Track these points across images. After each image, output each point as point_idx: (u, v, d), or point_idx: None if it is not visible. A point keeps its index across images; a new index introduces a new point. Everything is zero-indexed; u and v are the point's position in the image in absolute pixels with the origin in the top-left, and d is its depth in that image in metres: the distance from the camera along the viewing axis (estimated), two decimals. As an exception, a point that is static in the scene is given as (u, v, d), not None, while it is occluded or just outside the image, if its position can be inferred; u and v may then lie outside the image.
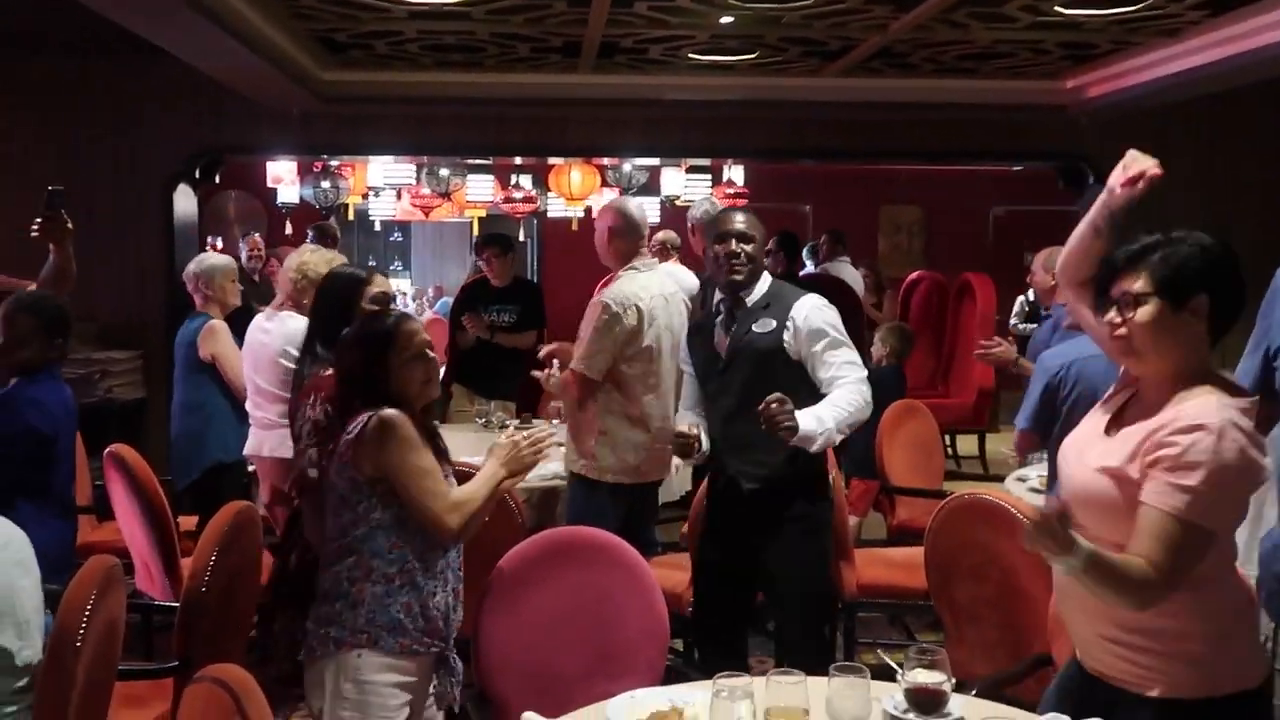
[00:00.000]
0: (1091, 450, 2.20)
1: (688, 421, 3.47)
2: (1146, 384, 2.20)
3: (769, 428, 3.12)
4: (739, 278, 3.42)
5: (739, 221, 3.47)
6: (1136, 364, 2.18)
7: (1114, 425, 2.22)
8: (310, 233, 8.09)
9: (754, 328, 3.41)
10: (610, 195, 9.56)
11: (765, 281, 3.50)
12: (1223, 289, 2.10)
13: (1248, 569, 2.69)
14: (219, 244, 8.10)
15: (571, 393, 4.27)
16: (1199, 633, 2.09)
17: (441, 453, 2.76)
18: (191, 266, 5.24)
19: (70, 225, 3.70)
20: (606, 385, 4.17)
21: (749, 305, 3.45)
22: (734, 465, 3.43)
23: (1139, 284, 2.11)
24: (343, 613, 2.60)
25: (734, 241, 3.41)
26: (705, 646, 3.70)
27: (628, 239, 4.30)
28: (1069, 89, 7.02)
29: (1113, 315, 2.15)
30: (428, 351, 2.72)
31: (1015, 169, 9.96)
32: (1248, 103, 6.74)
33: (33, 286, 3.89)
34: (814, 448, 3.26)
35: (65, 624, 2.45)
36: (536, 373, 4.65)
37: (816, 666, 2.28)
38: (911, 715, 2.21)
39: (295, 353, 4.44)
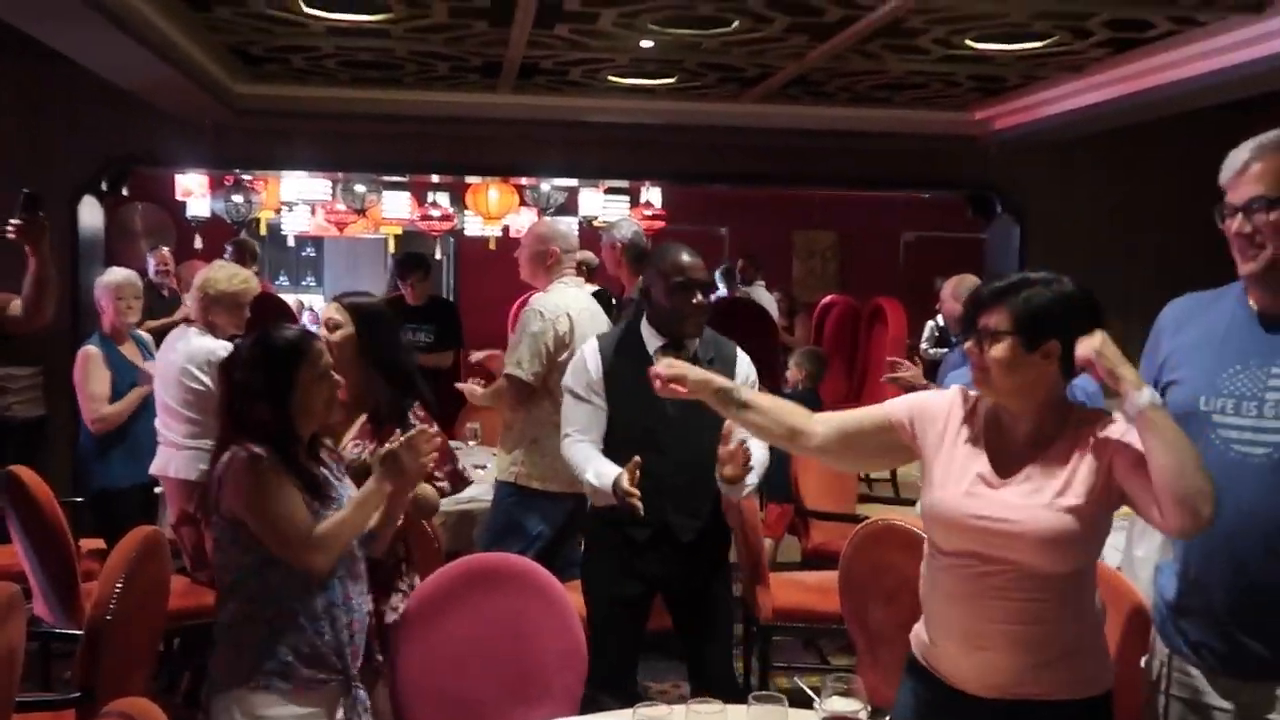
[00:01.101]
0: (986, 498, 2.25)
1: (625, 485, 3.11)
2: (1013, 415, 2.30)
3: (732, 469, 3.06)
4: (699, 332, 3.38)
5: (702, 270, 3.37)
6: (989, 394, 2.30)
7: (1000, 471, 2.27)
8: (228, 248, 7.94)
9: None
10: (528, 214, 9.56)
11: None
12: (1073, 336, 2.19)
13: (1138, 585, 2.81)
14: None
15: (504, 400, 4.27)
16: (1090, 631, 2.29)
17: (322, 480, 2.66)
18: (98, 282, 5.15)
19: (47, 226, 3.61)
20: (538, 393, 4.21)
21: (693, 355, 3.32)
22: (671, 516, 3.29)
23: (997, 320, 2.23)
24: (231, 657, 2.55)
25: (699, 292, 3.33)
26: (606, 683, 3.30)
27: (560, 255, 4.42)
28: (978, 120, 7.20)
29: (971, 345, 2.28)
30: (332, 372, 2.68)
31: (926, 196, 10.16)
32: (1149, 137, 6.97)
33: (17, 301, 3.82)
34: (741, 495, 3.29)
35: (-39, 655, 2.37)
36: (460, 385, 4.64)
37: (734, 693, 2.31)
38: (829, 746, 2.24)
39: (196, 371, 4.41)
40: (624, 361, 3.34)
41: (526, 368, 4.20)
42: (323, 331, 3.06)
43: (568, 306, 4.27)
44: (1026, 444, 2.27)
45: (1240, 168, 2.26)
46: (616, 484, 3.10)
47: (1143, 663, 2.49)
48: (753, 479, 3.23)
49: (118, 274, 5.22)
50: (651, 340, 3.36)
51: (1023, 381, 2.23)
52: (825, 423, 2.50)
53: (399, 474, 2.66)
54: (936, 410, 2.40)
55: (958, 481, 2.30)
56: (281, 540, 2.52)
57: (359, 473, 2.83)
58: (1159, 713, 2.39)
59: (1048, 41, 5.39)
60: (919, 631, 2.45)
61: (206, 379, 4.38)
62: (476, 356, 4.96)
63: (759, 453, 3.21)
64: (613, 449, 3.29)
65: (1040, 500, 2.22)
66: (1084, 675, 2.27)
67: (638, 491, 3.05)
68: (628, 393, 3.29)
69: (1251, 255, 2.25)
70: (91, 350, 4.97)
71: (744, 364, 3.45)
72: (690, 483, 3.30)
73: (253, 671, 2.51)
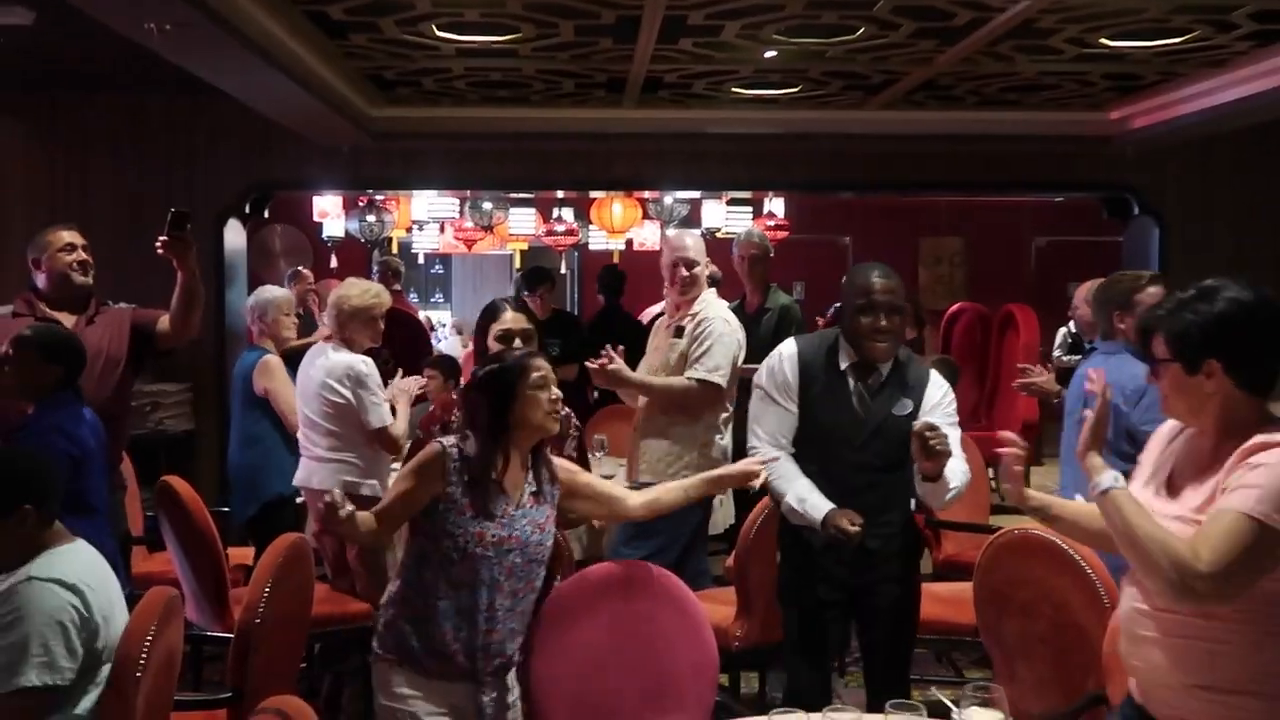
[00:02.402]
0: (1155, 505, 2.22)
1: (844, 524, 3.14)
2: (1198, 439, 2.27)
3: (925, 452, 3.00)
4: (884, 356, 3.32)
5: (888, 292, 3.27)
6: (1175, 417, 2.30)
7: (1172, 490, 2.26)
8: (375, 267, 8.23)
9: (894, 410, 3.31)
10: (651, 228, 9.62)
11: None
12: (1236, 350, 2.15)
13: None
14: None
15: (679, 402, 4.38)
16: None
17: (494, 497, 2.77)
18: (250, 299, 5.33)
19: (193, 243, 3.83)
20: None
21: (885, 375, 3.33)
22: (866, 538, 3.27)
23: (1158, 348, 2.24)
24: (380, 630, 2.79)
25: (882, 316, 3.25)
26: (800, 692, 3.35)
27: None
28: (1114, 120, 6.99)
29: (1149, 375, 2.30)
30: (554, 389, 2.81)
31: (1059, 199, 9.91)
32: (1293, 133, 6.70)
33: (166, 317, 4.07)
34: (943, 502, 3.24)
35: (127, 653, 2.49)
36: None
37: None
38: (969, 755, 2.20)
39: (336, 385, 4.55)
40: (818, 372, 3.34)
41: (724, 373, 4.38)
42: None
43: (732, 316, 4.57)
44: (1208, 460, 2.22)
45: None
46: (828, 519, 3.16)
47: None
48: (956, 483, 3.18)
49: (276, 291, 5.42)
50: (844, 358, 3.35)
51: (1194, 403, 2.22)
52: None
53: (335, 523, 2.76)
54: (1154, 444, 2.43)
55: (1140, 496, 2.28)
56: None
57: None
58: None
59: (1188, 37, 5.21)
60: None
61: (346, 392, 4.49)
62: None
63: (958, 464, 3.18)
64: (802, 455, 3.35)
65: (1177, 511, 2.16)
66: (1274, 712, 2.11)
67: (858, 526, 3.11)
68: (819, 407, 3.33)
69: None
70: (274, 359, 5.08)
71: (935, 388, 3.38)
72: (880, 495, 3.30)
73: (392, 648, 2.74)
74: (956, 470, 3.15)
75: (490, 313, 3.54)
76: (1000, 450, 2.59)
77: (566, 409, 3.34)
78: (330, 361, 4.59)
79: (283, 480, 4.96)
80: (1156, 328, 2.24)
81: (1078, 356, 6.91)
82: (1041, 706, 3.16)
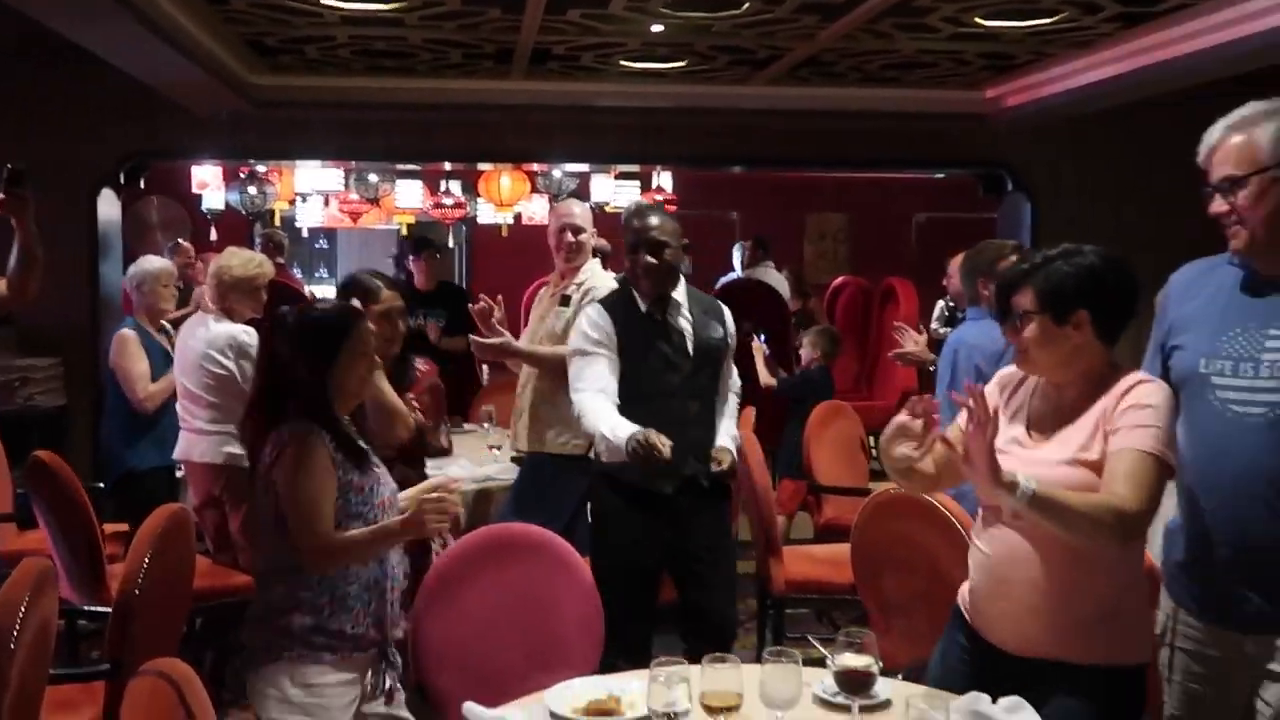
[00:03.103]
0: (1019, 457, 2.32)
1: (653, 435, 3.25)
2: (1061, 390, 2.38)
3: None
4: (655, 290, 3.55)
5: (656, 230, 3.54)
6: (1034, 371, 2.40)
7: (1037, 433, 2.38)
8: (258, 239, 8.07)
9: (709, 333, 3.57)
10: (540, 201, 9.61)
11: (683, 282, 3.65)
12: (1102, 302, 2.31)
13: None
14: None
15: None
16: (1124, 599, 2.30)
17: (364, 451, 2.74)
18: (129, 270, 5.23)
19: (30, 200, 3.58)
20: None
21: (686, 307, 3.58)
22: (691, 465, 3.46)
23: (1025, 301, 2.33)
24: (280, 633, 2.61)
25: (648, 253, 3.50)
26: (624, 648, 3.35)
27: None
28: (988, 98, 7.22)
29: (1009, 329, 2.39)
30: (373, 354, 2.76)
31: (938, 177, 10.17)
32: (1160, 112, 6.97)
33: (2, 281, 3.80)
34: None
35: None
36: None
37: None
38: (840, 697, 2.30)
39: (218, 356, 4.49)
40: (627, 318, 3.55)
41: None
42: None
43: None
44: (1070, 409, 2.35)
45: (1212, 148, 2.31)
46: (634, 436, 3.23)
47: None
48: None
49: (156, 262, 5.30)
50: (642, 300, 3.56)
51: (1061, 354, 2.33)
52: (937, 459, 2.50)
53: (420, 530, 2.68)
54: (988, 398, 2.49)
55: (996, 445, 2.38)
56: (298, 526, 2.55)
57: None
58: (1165, 664, 2.44)
59: (1057, 18, 5.41)
60: (964, 587, 2.52)
61: (229, 363, 4.45)
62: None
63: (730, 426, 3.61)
64: (630, 406, 3.44)
65: (1061, 456, 2.28)
66: (1118, 642, 2.30)
67: (665, 440, 3.20)
68: (637, 349, 3.51)
69: (1234, 233, 2.30)
70: (129, 333, 5.01)
71: (729, 320, 3.70)
72: (702, 432, 3.48)
73: (305, 646, 2.59)
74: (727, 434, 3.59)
75: (367, 294, 3.49)
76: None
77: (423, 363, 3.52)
78: (211, 333, 4.53)
79: (134, 454, 4.91)
80: (1023, 282, 2.34)
81: (952, 329, 7.14)
82: (916, 656, 3.29)
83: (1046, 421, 2.37)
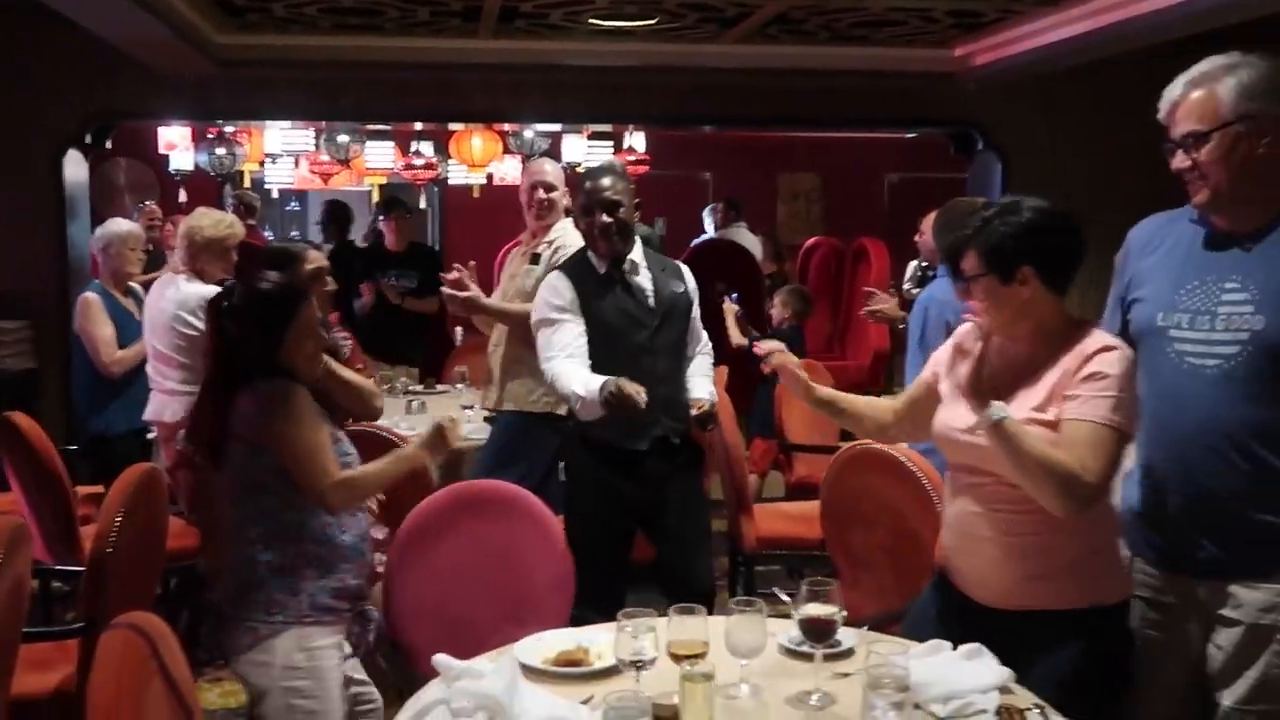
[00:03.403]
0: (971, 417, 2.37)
1: (624, 384, 3.25)
2: (1017, 345, 2.42)
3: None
4: (610, 252, 3.54)
5: (608, 191, 3.52)
6: (993, 330, 2.42)
7: (997, 389, 2.39)
8: (230, 201, 8.02)
9: (671, 289, 3.58)
10: (512, 162, 9.57)
11: (639, 242, 3.65)
12: (1046, 255, 2.34)
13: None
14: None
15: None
16: (1095, 545, 2.36)
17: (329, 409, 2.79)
18: (96, 232, 5.20)
19: None
20: None
21: (644, 266, 3.58)
22: (663, 422, 3.49)
23: (970, 264, 2.38)
24: (277, 600, 2.64)
25: (601, 213, 3.49)
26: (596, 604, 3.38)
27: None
28: (957, 57, 7.21)
29: (961, 291, 2.46)
30: (321, 331, 2.77)
31: (910, 136, 10.19)
32: (1128, 69, 6.99)
33: None
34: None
35: (-29, 584, 2.45)
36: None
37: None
38: (805, 646, 2.35)
39: (189, 317, 4.48)
40: (588, 282, 3.55)
41: None
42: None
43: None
44: (1026, 367, 2.39)
45: (1173, 103, 2.34)
46: (606, 385, 3.22)
47: None
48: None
49: (123, 225, 5.27)
50: (599, 263, 3.56)
51: (1011, 311, 2.37)
52: (898, 409, 2.71)
53: (443, 448, 2.79)
54: (944, 354, 2.58)
55: (953, 403, 2.43)
56: (310, 472, 2.59)
57: None
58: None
59: (1024, -25, 5.41)
60: (941, 540, 2.58)
61: (200, 324, 4.43)
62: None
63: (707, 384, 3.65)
64: (601, 367, 3.43)
65: (1018, 415, 2.32)
66: (1086, 589, 2.35)
67: (638, 387, 3.19)
68: (601, 311, 3.50)
69: (1196, 188, 2.34)
70: (92, 297, 4.99)
71: (690, 277, 3.71)
72: (672, 389, 3.51)
73: (311, 609, 2.64)
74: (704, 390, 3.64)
75: (291, 258, 3.48)
76: (761, 350, 2.83)
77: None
78: (182, 294, 4.52)
79: (102, 419, 4.92)
80: (966, 245, 2.38)
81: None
82: (882, 609, 3.35)
83: (1004, 379, 2.40)
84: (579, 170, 8.95)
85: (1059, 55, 6.45)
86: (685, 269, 3.74)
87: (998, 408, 2.26)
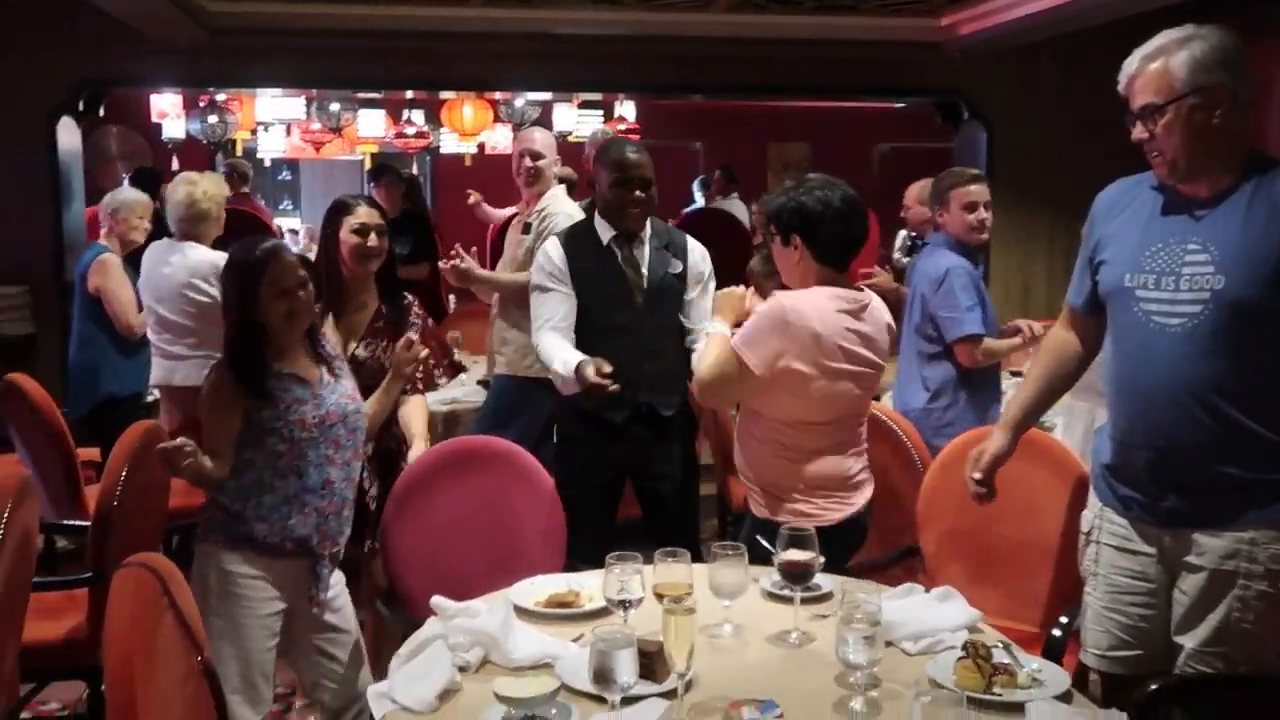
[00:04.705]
0: None
1: (590, 373, 3.23)
2: None
3: None
4: (640, 226, 3.55)
5: (643, 167, 3.51)
6: (786, 283, 3.02)
7: None
8: (222, 169, 8.05)
9: (668, 269, 3.55)
10: (503, 130, 9.62)
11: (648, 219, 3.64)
12: (811, 228, 2.92)
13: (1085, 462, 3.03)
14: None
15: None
16: None
17: (273, 391, 2.80)
18: (106, 198, 5.24)
19: None
20: None
21: (647, 242, 3.56)
22: (645, 395, 3.48)
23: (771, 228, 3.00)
24: (217, 519, 2.79)
25: (639, 188, 3.48)
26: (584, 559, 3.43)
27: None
28: (944, 26, 7.28)
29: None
30: (299, 291, 2.79)
31: (899, 106, 10.25)
32: (1113, 39, 7.05)
33: None
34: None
35: (-17, 532, 2.54)
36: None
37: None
38: (785, 590, 2.46)
39: (201, 283, 4.54)
40: (583, 253, 3.54)
41: None
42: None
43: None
44: None
45: (1131, 76, 2.42)
46: (580, 369, 3.24)
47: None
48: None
49: (131, 193, 5.33)
50: (605, 232, 3.55)
51: (789, 270, 3.00)
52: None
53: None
54: None
55: None
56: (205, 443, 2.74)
57: (372, 371, 3.24)
58: (1092, 559, 2.62)
59: (1008, -56, 5.48)
60: None
61: (212, 289, 4.48)
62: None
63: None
64: (585, 339, 3.46)
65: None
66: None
67: (605, 376, 3.18)
68: (592, 283, 3.50)
69: (1156, 160, 2.42)
70: (112, 258, 4.96)
71: (696, 253, 3.66)
72: (661, 365, 3.51)
73: (230, 536, 2.76)
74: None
75: (342, 208, 3.45)
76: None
77: (410, 297, 3.53)
78: (190, 260, 4.58)
79: (115, 381, 4.95)
80: (762, 210, 2.83)
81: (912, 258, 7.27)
82: (862, 559, 3.45)
83: None
84: (570, 139, 9.02)
85: (1042, 25, 6.53)
86: (695, 247, 3.68)
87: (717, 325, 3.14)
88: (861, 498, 3.02)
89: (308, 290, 2.82)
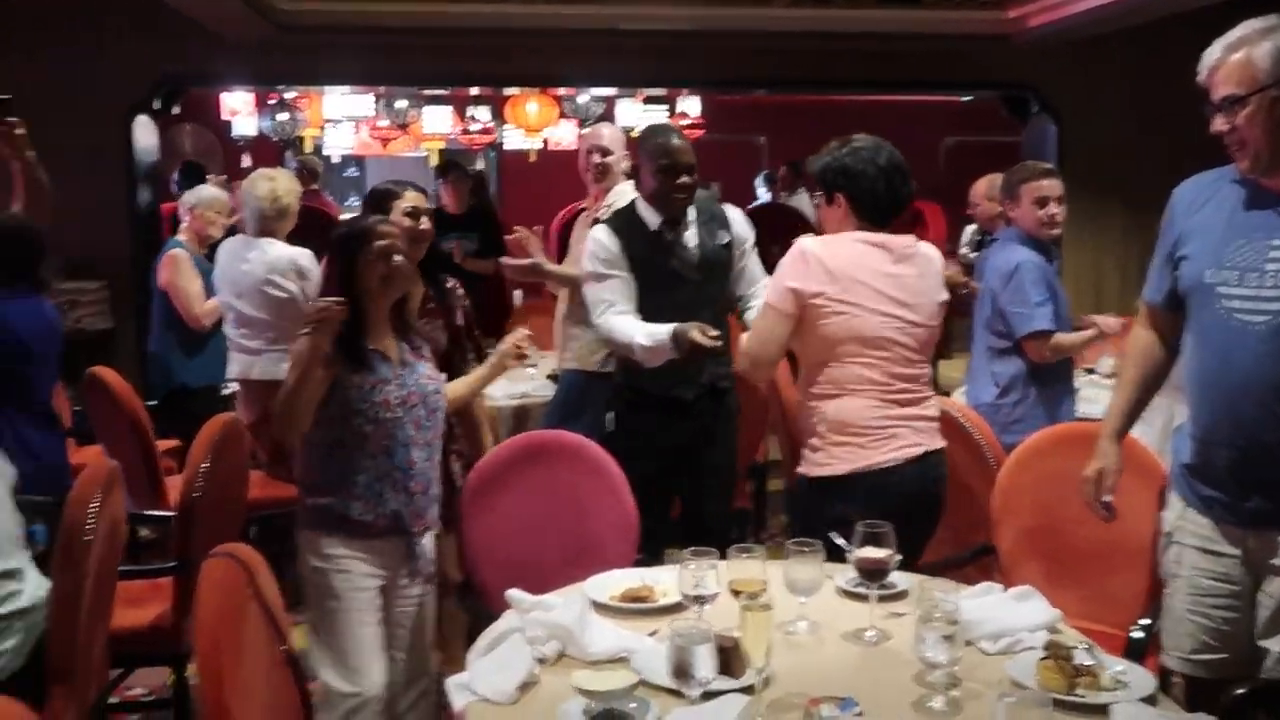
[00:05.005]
0: None
1: (694, 333, 3.29)
2: None
3: None
4: (683, 212, 3.60)
5: (686, 154, 3.55)
6: None
7: None
8: (293, 165, 8.18)
9: (716, 241, 3.62)
10: (567, 126, 9.66)
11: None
12: (856, 188, 2.99)
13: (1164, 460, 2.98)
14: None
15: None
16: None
17: (409, 341, 2.98)
18: (186, 194, 5.36)
19: (22, 131, 3.57)
20: None
21: (692, 221, 3.61)
22: (710, 370, 3.56)
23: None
24: (313, 505, 2.87)
25: (684, 174, 3.52)
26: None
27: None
28: (1011, 18, 7.18)
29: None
30: (394, 256, 2.88)
31: (965, 99, 10.14)
32: (1184, 29, 6.92)
33: (17, 207, 3.82)
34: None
35: (73, 519, 2.58)
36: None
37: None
38: (861, 587, 2.46)
39: (281, 280, 4.61)
40: (635, 237, 3.59)
41: None
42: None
43: None
44: None
45: (1211, 67, 2.37)
46: (680, 334, 3.28)
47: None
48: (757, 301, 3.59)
49: (209, 190, 5.46)
50: (650, 217, 3.60)
51: (834, 228, 3.05)
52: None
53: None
54: None
55: None
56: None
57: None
58: (1174, 560, 2.58)
59: (1081, -65, 5.39)
60: None
61: (293, 285, 4.57)
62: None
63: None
64: (650, 316, 3.49)
65: None
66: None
67: (710, 331, 3.26)
68: (646, 267, 3.55)
69: (1238, 153, 2.38)
70: (180, 253, 5.12)
71: (737, 220, 3.73)
72: (722, 336, 3.48)
73: (319, 524, 2.84)
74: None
75: (388, 194, 3.41)
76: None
77: (453, 280, 3.59)
78: (269, 256, 4.65)
79: (186, 372, 5.07)
80: (808, 169, 3.08)
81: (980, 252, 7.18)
82: (936, 557, 3.43)
83: None
84: (633, 135, 9.01)
85: (1113, 16, 6.42)
86: (734, 212, 3.75)
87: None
88: (881, 454, 2.96)
89: (407, 257, 2.92)
